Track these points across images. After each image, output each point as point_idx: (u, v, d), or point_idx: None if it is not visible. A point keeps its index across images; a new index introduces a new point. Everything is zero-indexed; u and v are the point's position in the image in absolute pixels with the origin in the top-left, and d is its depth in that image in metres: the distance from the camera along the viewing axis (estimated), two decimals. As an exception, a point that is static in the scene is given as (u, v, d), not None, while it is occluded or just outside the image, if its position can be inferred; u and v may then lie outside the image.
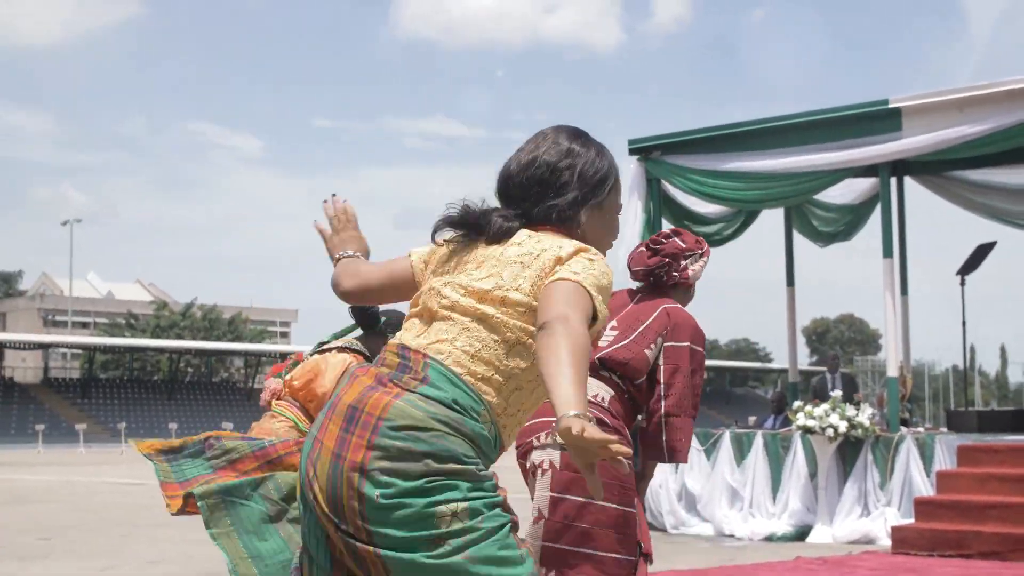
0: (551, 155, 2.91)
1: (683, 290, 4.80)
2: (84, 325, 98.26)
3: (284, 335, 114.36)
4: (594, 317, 2.68)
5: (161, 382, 79.55)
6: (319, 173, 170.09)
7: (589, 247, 2.81)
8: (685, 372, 4.49)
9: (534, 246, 2.82)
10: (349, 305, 6.08)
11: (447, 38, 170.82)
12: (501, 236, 2.87)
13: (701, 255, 4.80)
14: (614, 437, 2.35)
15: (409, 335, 2.84)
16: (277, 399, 5.85)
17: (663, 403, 4.46)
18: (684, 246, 4.74)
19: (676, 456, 4.47)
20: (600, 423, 4.19)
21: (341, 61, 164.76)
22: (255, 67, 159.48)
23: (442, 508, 2.58)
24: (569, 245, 2.80)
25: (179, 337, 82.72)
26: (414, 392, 2.68)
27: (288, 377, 5.90)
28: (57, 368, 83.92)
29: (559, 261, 2.75)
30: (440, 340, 2.76)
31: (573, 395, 2.41)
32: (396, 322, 6.05)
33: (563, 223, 2.89)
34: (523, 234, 2.87)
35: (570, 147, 2.94)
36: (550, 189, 2.89)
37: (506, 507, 2.72)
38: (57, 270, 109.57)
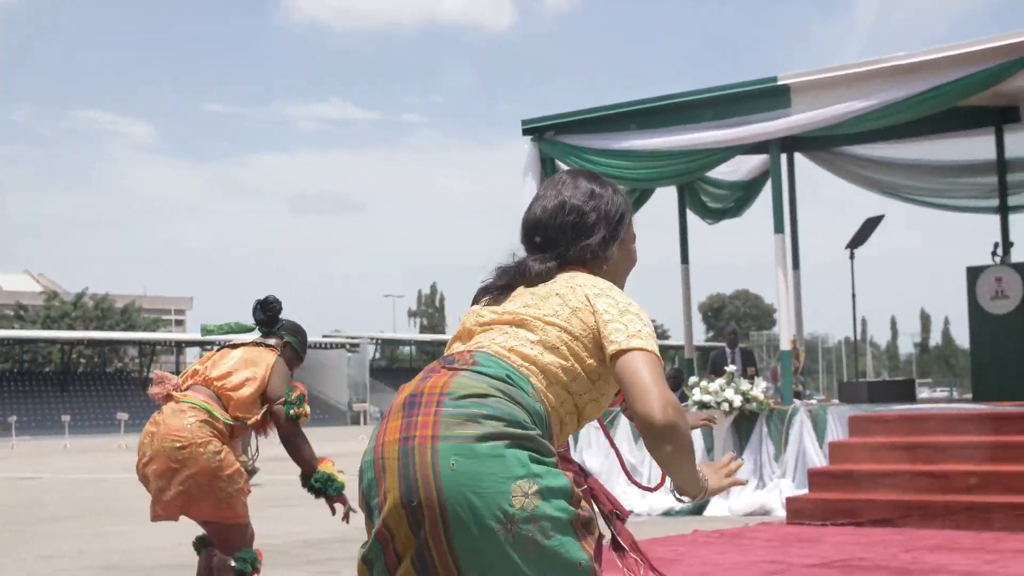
0: (577, 199, 3.05)
1: None
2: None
3: (179, 323, 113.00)
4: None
5: (53, 374, 78.20)
6: (212, 159, 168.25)
7: (616, 290, 2.94)
8: None
9: (569, 281, 2.94)
10: (257, 302, 6.04)
11: (341, 20, 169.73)
12: (540, 280, 2.98)
13: None
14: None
15: (451, 350, 2.94)
16: (177, 390, 5.77)
17: None
18: None
19: None
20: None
21: (233, 44, 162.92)
22: (145, 51, 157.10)
23: (515, 485, 2.60)
24: (599, 285, 2.93)
25: (70, 328, 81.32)
26: (470, 370, 2.76)
27: (199, 366, 5.81)
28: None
29: (604, 302, 2.87)
30: (479, 344, 2.88)
31: (698, 475, 2.97)
32: (290, 327, 6.05)
33: (593, 260, 3.04)
34: (570, 273, 2.99)
35: (592, 189, 3.09)
36: (581, 231, 3.03)
37: (574, 496, 2.72)
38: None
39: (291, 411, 5.64)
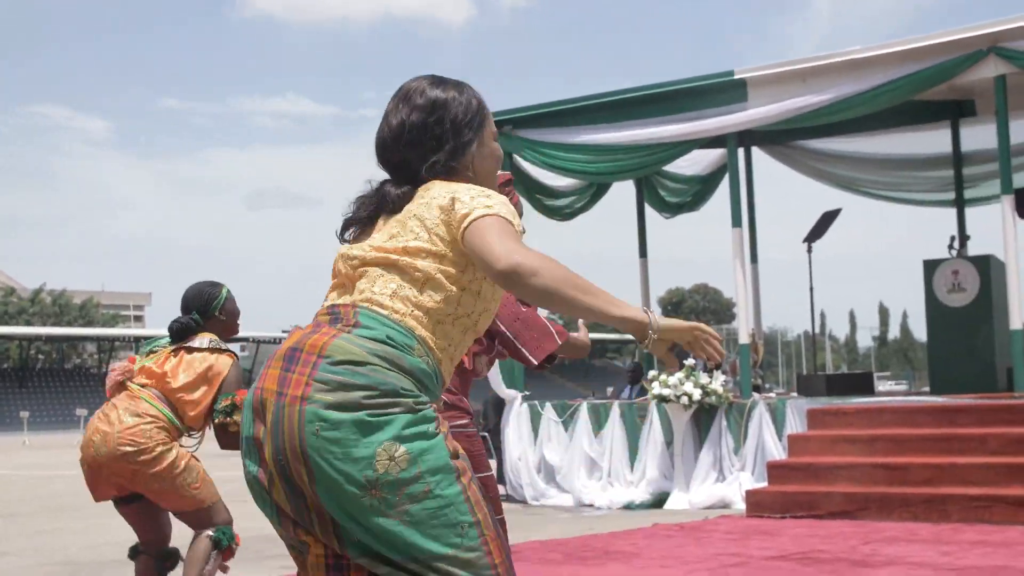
0: (417, 115, 2.94)
1: None
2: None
3: (138, 319, 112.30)
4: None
5: (11, 370, 77.53)
6: (168, 155, 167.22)
7: (470, 186, 2.86)
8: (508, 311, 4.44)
9: (423, 196, 2.87)
10: (183, 296, 5.93)
11: (295, 15, 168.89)
12: (397, 203, 2.91)
13: None
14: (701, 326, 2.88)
15: (334, 296, 2.91)
16: (131, 381, 5.71)
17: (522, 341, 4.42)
18: None
19: (545, 346, 4.44)
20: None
21: (187, 40, 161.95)
22: (100, 46, 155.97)
23: (379, 450, 2.62)
24: (451, 189, 2.85)
25: (28, 324, 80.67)
26: (350, 333, 2.74)
27: (157, 370, 5.72)
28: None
29: (455, 202, 2.80)
30: (362, 291, 2.83)
31: (623, 305, 2.76)
32: (205, 297, 5.92)
33: (449, 172, 2.94)
34: (425, 187, 2.92)
35: (434, 98, 2.96)
36: (427, 147, 2.93)
37: (453, 451, 2.73)
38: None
39: (216, 419, 5.59)
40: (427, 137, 2.92)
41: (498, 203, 2.78)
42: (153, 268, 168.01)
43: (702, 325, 2.93)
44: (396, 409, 2.67)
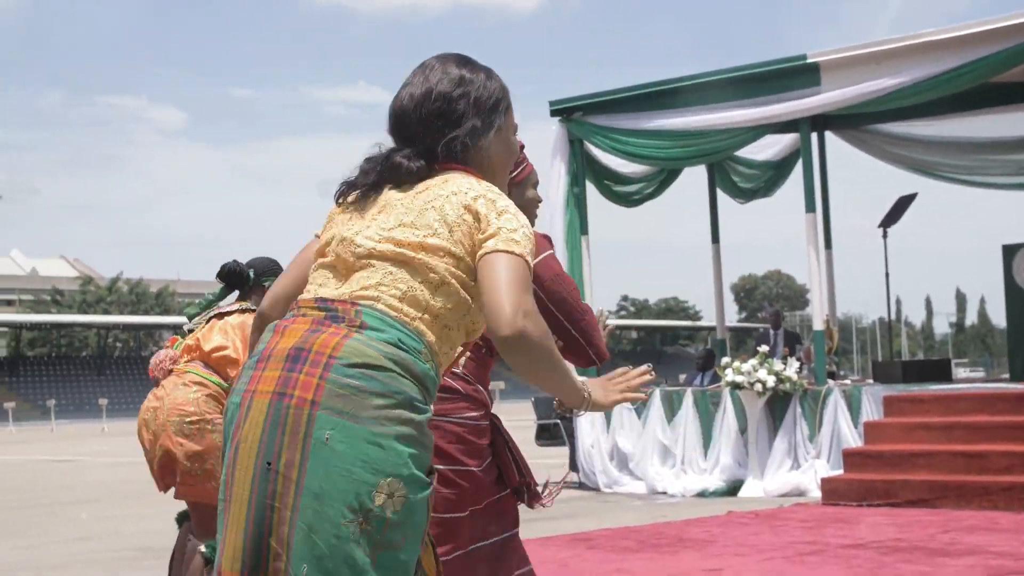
0: (444, 86, 2.81)
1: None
2: (9, 303, 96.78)
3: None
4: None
5: (90, 358, 78.70)
6: (240, 144, 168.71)
7: (494, 191, 2.73)
8: (559, 291, 4.28)
9: (443, 188, 2.72)
10: (217, 276, 5.94)
11: (366, 4, 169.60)
12: (408, 178, 2.76)
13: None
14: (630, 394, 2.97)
15: (326, 288, 2.71)
16: (175, 363, 5.76)
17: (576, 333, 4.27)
18: None
19: (600, 354, 4.30)
20: (452, 390, 4.04)
21: (259, 28, 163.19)
22: (174, 37, 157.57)
23: (383, 481, 2.46)
24: (476, 188, 2.72)
25: (106, 312, 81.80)
26: (362, 334, 2.55)
27: (192, 343, 5.78)
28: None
29: (482, 210, 2.67)
30: (365, 287, 2.64)
31: (576, 386, 2.86)
32: (266, 268, 5.94)
33: (466, 153, 2.81)
34: (444, 176, 2.77)
35: (461, 75, 2.84)
36: (448, 121, 2.80)
37: (431, 500, 2.59)
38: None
39: None
40: (450, 111, 2.79)
41: (523, 235, 2.64)
42: (227, 257, 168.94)
43: (619, 388, 3.05)
44: (409, 428, 2.50)
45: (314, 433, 2.46)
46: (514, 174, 4.36)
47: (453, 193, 2.69)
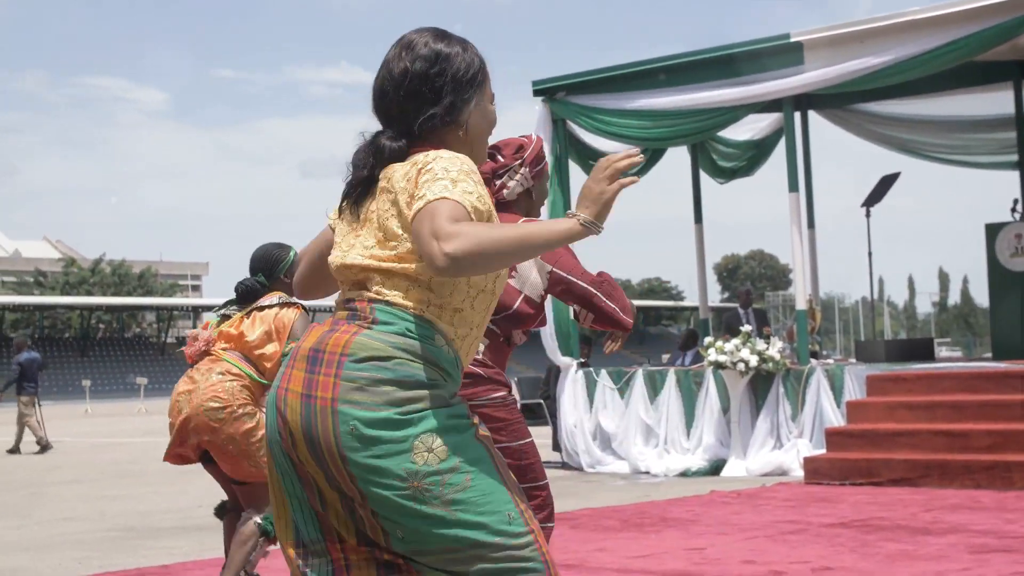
0: (421, 65, 2.86)
1: (522, 203, 4.52)
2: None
3: (196, 288, 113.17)
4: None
5: (73, 339, 78.49)
6: (223, 125, 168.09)
7: (427, 160, 2.77)
8: (577, 282, 4.33)
9: (392, 190, 2.80)
10: (251, 257, 6.00)
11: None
12: (394, 158, 2.84)
13: (521, 165, 4.49)
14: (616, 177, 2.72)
15: (352, 293, 2.86)
16: (211, 346, 5.83)
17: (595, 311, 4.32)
18: (496, 164, 4.45)
19: (627, 312, 4.33)
20: (473, 375, 4.13)
21: (242, 8, 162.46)
22: (155, 17, 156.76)
23: (416, 442, 2.63)
24: (414, 169, 2.78)
25: (89, 294, 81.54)
26: (370, 328, 2.73)
27: (233, 332, 5.81)
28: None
29: (414, 192, 2.73)
30: (374, 290, 2.79)
31: (555, 225, 2.64)
32: (272, 260, 5.97)
33: (445, 129, 2.87)
34: (389, 172, 2.83)
35: (438, 51, 2.89)
36: (426, 100, 2.86)
37: (482, 438, 2.74)
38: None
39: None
40: (427, 88, 2.85)
41: (448, 187, 2.67)
42: (210, 237, 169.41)
43: (606, 179, 2.77)
44: (427, 402, 2.67)
45: (340, 427, 2.65)
46: (538, 167, 4.48)
47: (399, 192, 2.78)
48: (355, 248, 2.85)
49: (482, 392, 4.13)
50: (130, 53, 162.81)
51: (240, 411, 5.63)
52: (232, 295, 6.02)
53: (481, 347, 4.21)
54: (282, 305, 5.84)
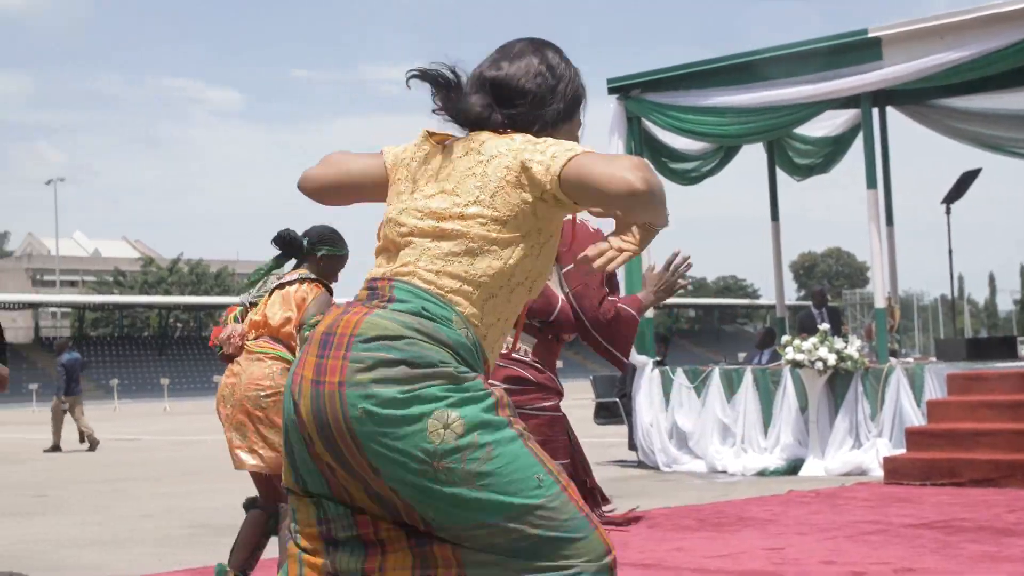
0: (545, 66, 2.88)
1: None
2: (72, 284, 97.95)
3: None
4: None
5: (151, 338, 79.50)
6: (298, 124, 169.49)
7: (527, 138, 2.76)
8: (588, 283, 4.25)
9: (483, 150, 2.76)
10: (273, 238, 6.00)
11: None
12: (473, 123, 2.81)
13: None
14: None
15: (378, 270, 2.81)
16: (243, 340, 5.88)
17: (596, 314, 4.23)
18: None
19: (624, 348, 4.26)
20: (522, 380, 4.00)
21: (316, 8, 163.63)
22: (230, 18, 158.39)
23: (431, 420, 2.54)
24: (512, 145, 2.74)
25: (167, 293, 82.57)
26: (384, 308, 2.66)
27: (258, 318, 5.86)
28: (48, 327, 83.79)
29: (527, 159, 2.69)
30: (404, 264, 2.73)
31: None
32: (321, 236, 5.98)
33: (540, 132, 2.85)
34: (481, 138, 2.79)
35: (559, 62, 2.92)
36: (541, 100, 2.86)
37: (502, 407, 2.64)
38: (42, 230, 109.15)
39: (305, 332, 5.63)
40: (545, 89, 2.86)
41: (577, 145, 2.69)
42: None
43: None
44: (438, 380, 2.57)
45: (349, 412, 2.56)
46: None
47: (492, 157, 2.73)
48: (415, 202, 2.79)
49: (532, 400, 3.99)
50: (205, 54, 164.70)
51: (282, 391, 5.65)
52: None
53: (528, 347, 4.13)
54: (302, 280, 5.85)
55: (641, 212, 2.59)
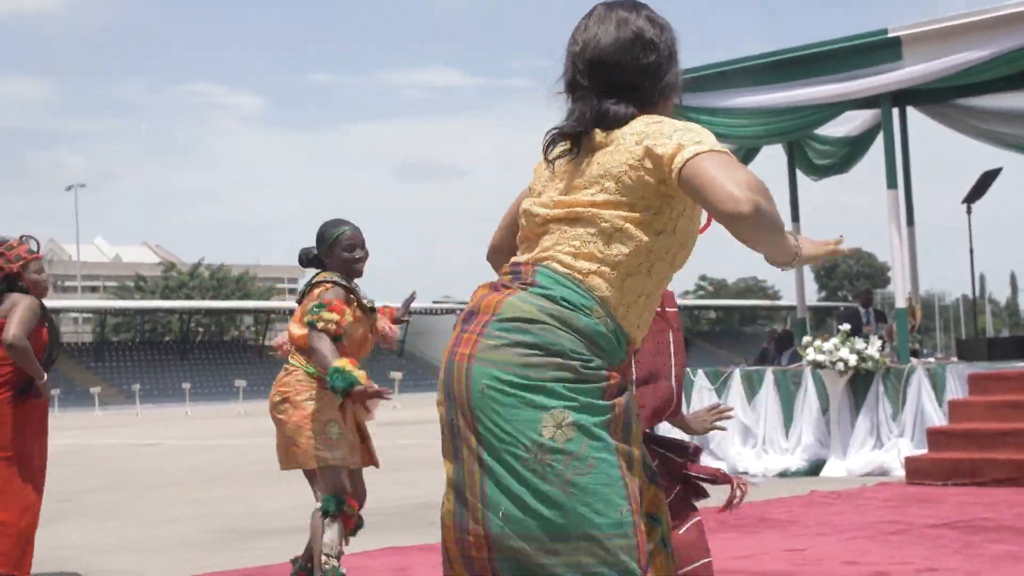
0: (651, 32, 2.82)
1: None
2: (93, 289, 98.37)
3: (292, 291, 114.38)
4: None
5: (173, 342, 79.69)
6: (318, 129, 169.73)
7: (653, 120, 2.73)
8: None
9: (609, 140, 2.76)
10: (301, 253, 6.19)
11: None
12: (615, 124, 2.77)
13: None
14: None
15: (520, 256, 2.85)
16: (286, 351, 6.15)
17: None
18: None
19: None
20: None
21: (336, 13, 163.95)
22: (250, 24, 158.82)
23: (547, 415, 2.57)
24: (636, 131, 2.72)
25: (188, 297, 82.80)
26: (525, 290, 2.70)
27: (292, 333, 5.99)
28: (69, 332, 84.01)
29: (652, 144, 2.67)
30: (544, 249, 2.77)
31: (789, 243, 2.75)
32: (316, 241, 6.15)
33: (660, 103, 2.83)
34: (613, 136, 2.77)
35: (658, 22, 2.86)
36: (658, 70, 2.82)
37: (615, 428, 2.64)
38: (63, 236, 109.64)
39: (308, 319, 5.76)
40: (659, 57, 2.81)
41: (707, 138, 2.63)
42: (305, 240, 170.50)
43: (831, 247, 3.16)
44: (566, 373, 2.60)
45: (472, 385, 2.63)
46: None
47: (619, 143, 2.73)
48: (545, 195, 2.82)
49: None
50: (227, 59, 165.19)
51: (298, 397, 5.90)
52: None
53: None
54: (315, 284, 5.98)
55: (747, 236, 2.55)
